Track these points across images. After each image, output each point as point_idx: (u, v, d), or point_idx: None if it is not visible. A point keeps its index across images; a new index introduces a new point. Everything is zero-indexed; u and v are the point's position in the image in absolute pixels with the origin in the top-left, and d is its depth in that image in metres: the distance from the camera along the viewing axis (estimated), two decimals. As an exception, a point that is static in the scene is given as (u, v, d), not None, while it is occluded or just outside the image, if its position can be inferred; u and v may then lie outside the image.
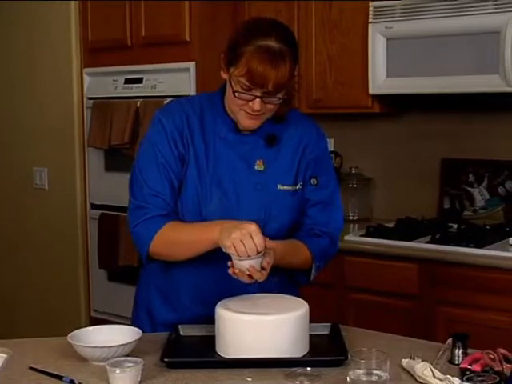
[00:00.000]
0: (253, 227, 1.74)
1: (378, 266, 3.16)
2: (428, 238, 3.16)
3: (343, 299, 3.26)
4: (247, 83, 1.82)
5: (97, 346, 1.76)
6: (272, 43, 1.79)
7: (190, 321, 1.95)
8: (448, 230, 3.27)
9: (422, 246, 3.10)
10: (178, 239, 1.90)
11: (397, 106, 3.61)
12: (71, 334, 1.82)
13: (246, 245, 1.72)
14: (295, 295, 1.92)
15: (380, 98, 3.44)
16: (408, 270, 3.07)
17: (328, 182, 2.06)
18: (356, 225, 3.68)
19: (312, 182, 2.03)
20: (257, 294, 1.86)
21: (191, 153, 1.94)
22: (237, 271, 1.77)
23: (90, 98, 4.05)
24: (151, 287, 2.07)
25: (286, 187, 1.97)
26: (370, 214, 3.81)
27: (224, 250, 1.78)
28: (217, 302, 1.83)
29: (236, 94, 1.85)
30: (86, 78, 4.07)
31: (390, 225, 3.42)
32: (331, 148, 3.93)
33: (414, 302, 3.06)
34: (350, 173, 3.82)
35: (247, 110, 1.87)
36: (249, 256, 1.73)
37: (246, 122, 1.91)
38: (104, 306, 4.08)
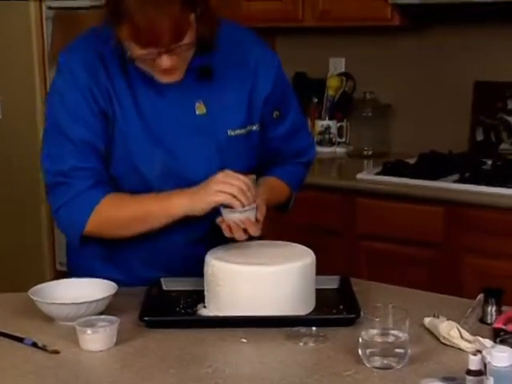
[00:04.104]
0: (229, 172, 1.80)
1: (397, 209, 3.17)
2: (456, 177, 3.17)
3: (355, 248, 3.28)
4: (138, 45, 1.72)
5: (64, 303, 1.77)
6: None
7: (138, 283, 1.94)
8: (481, 167, 3.28)
9: (449, 185, 3.11)
10: (123, 216, 1.88)
11: (421, 18, 3.57)
12: (33, 288, 1.83)
13: (237, 187, 1.77)
14: None
15: (401, 9, 3.40)
16: (432, 215, 3.09)
17: (290, 107, 2.06)
18: (371, 161, 3.67)
19: (275, 115, 2.01)
20: (254, 241, 1.87)
21: (116, 108, 1.86)
22: (232, 224, 1.79)
23: (50, 8, 3.99)
24: (89, 247, 1.98)
25: (237, 131, 1.93)
26: (387, 148, 3.80)
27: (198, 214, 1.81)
28: (169, 266, 1.92)
29: (134, 58, 1.76)
30: (45, -16, 4.01)
31: (412, 161, 3.43)
32: (342, 69, 3.91)
33: (438, 252, 3.09)
34: (364, 99, 3.80)
35: (157, 68, 1.78)
36: (244, 205, 1.77)
37: (163, 79, 1.82)
38: (72, 257, 4.10)
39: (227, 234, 1.81)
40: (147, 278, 1.96)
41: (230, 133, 1.92)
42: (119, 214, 1.89)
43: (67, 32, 3.85)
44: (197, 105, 1.90)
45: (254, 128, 1.97)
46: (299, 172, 2.15)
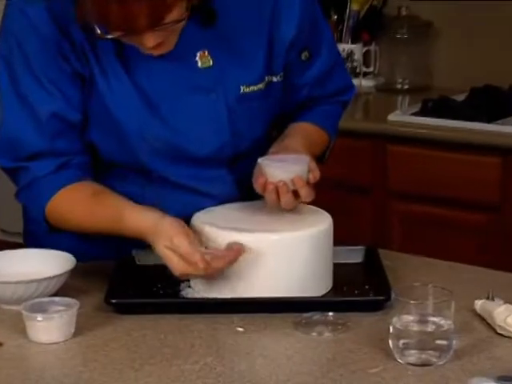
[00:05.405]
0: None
1: (440, 160, 3.18)
2: (518, 118, 3.18)
3: (386, 210, 3.30)
4: (108, 32, 1.71)
5: (7, 281, 1.78)
6: None
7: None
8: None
9: (508, 129, 3.12)
10: (74, 217, 1.91)
11: None
12: (-33, 263, 1.85)
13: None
14: None
15: None
16: (487, 167, 3.10)
17: (322, 40, 2.05)
18: (407, 97, 3.67)
19: (303, 56, 2.00)
20: (253, 202, 1.88)
21: (95, 70, 1.86)
22: (281, 185, 1.76)
23: None
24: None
25: (252, 88, 1.93)
26: (428, 81, 3.80)
27: None
28: None
29: (108, 38, 1.75)
30: None
31: (460, 97, 3.43)
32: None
33: (494, 215, 3.11)
34: (398, 16, 3.79)
35: (139, 45, 1.78)
36: None
37: (154, 53, 1.80)
38: (15, 223, 4.10)
39: (271, 199, 1.78)
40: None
41: (244, 89, 1.92)
42: (69, 215, 1.91)
43: None
44: (199, 55, 1.89)
45: (276, 79, 1.97)
46: (336, 113, 2.16)
